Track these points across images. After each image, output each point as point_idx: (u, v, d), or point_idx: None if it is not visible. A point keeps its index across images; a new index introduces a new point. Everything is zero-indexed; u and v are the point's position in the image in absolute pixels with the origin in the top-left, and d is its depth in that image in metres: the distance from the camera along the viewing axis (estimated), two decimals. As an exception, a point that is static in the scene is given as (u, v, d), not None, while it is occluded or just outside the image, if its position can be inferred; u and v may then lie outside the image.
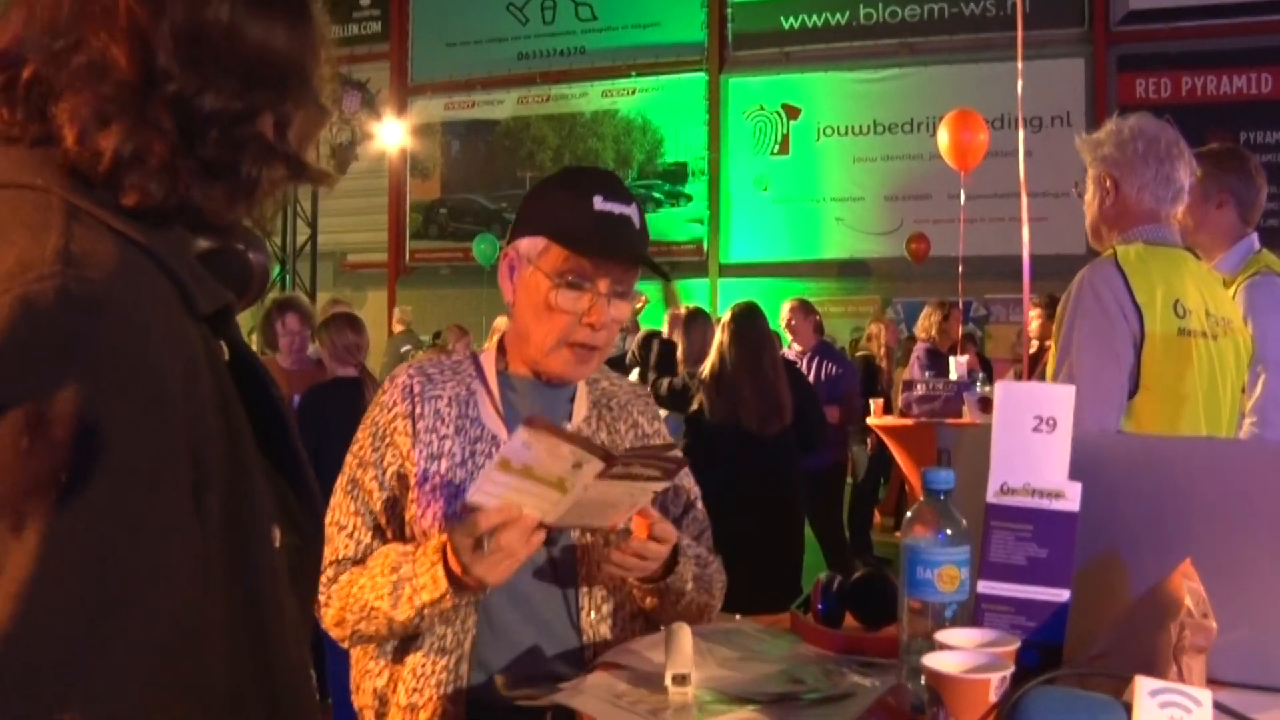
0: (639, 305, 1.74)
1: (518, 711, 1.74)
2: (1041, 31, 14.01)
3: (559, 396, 1.97)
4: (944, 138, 8.84)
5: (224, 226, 1.08)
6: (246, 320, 6.11)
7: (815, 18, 15.41)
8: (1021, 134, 5.81)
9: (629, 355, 7.30)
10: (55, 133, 0.96)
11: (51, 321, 0.87)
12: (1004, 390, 1.48)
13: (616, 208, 1.87)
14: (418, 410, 1.88)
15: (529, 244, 1.88)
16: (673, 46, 16.12)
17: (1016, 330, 10.42)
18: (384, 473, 1.86)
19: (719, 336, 5.09)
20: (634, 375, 6.79)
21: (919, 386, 7.22)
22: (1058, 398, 1.44)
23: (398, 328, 12.16)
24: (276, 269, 13.51)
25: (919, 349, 8.29)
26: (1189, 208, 3.44)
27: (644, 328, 8.01)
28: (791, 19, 15.52)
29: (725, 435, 4.91)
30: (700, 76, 16.01)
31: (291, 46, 1.06)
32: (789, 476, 4.98)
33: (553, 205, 1.89)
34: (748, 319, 5.06)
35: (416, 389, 1.91)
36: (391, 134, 13.66)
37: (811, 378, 6.86)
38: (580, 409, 1.97)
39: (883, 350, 9.58)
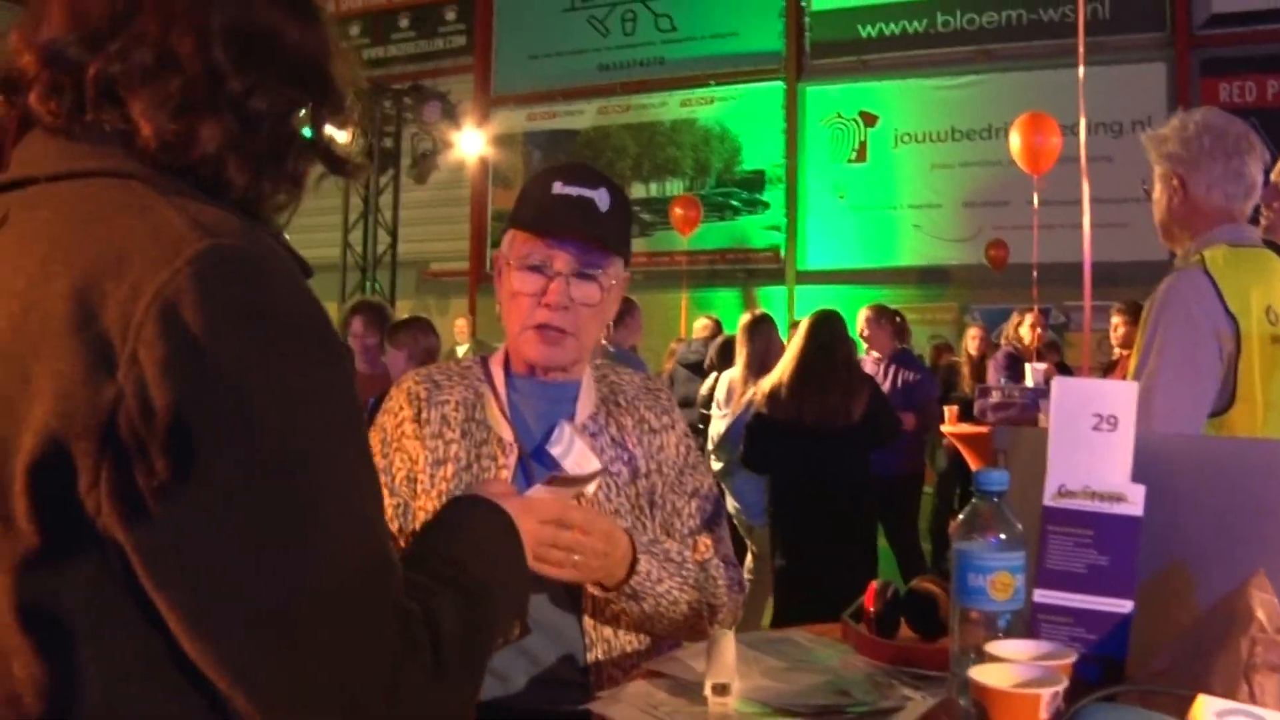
0: (609, 286, 1.67)
1: (531, 717, 1.71)
2: (1122, 36, 13.75)
3: (562, 395, 1.95)
4: (1015, 141, 8.66)
5: (266, 219, 1.11)
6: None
7: (893, 25, 15.23)
8: (1083, 138, 5.72)
9: (707, 360, 7.23)
10: (126, 127, 0.99)
11: (234, 291, 0.91)
12: (1061, 387, 1.40)
13: (577, 190, 1.87)
14: (424, 415, 1.88)
15: (505, 240, 1.92)
16: (751, 56, 16.04)
17: (1098, 338, 10.17)
18: (393, 479, 1.87)
19: (794, 340, 5.09)
20: (709, 381, 6.72)
21: (995, 394, 7.06)
22: (1119, 395, 1.36)
23: (461, 339, 12.08)
24: (357, 277, 13.63)
25: (1000, 353, 8.13)
26: (1272, 206, 3.31)
27: (724, 334, 7.95)
28: (869, 27, 15.35)
29: (789, 434, 4.92)
30: (778, 85, 15.91)
31: (312, 45, 1.10)
32: (857, 479, 4.92)
33: (521, 197, 1.92)
34: (820, 321, 5.10)
35: (422, 395, 1.91)
36: (473, 144, 13.72)
37: (888, 385, 6.77)
38: (585, 406, 1.94)
39: (978, 355, 9.38)
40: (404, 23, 17.87)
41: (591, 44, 17.01)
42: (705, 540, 1.97)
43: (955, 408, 7.75)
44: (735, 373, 6.10)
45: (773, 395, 5.03)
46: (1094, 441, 1.35)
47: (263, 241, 0.97)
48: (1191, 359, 2.52)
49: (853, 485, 4.92)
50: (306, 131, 1.11)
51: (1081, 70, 6.20)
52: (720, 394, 6.24)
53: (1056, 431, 1.37)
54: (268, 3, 1.06)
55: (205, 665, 0.91)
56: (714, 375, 6.69)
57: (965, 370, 9.11)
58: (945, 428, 7.59)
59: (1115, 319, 7.45)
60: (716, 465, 6.15)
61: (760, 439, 5.11)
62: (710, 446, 6.25)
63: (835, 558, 4.63)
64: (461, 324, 12.54)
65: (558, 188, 1.87)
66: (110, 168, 0.98)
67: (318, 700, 0.91)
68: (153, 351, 0.87)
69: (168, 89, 0.99)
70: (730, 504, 6.03)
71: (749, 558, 6.05)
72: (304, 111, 1.10)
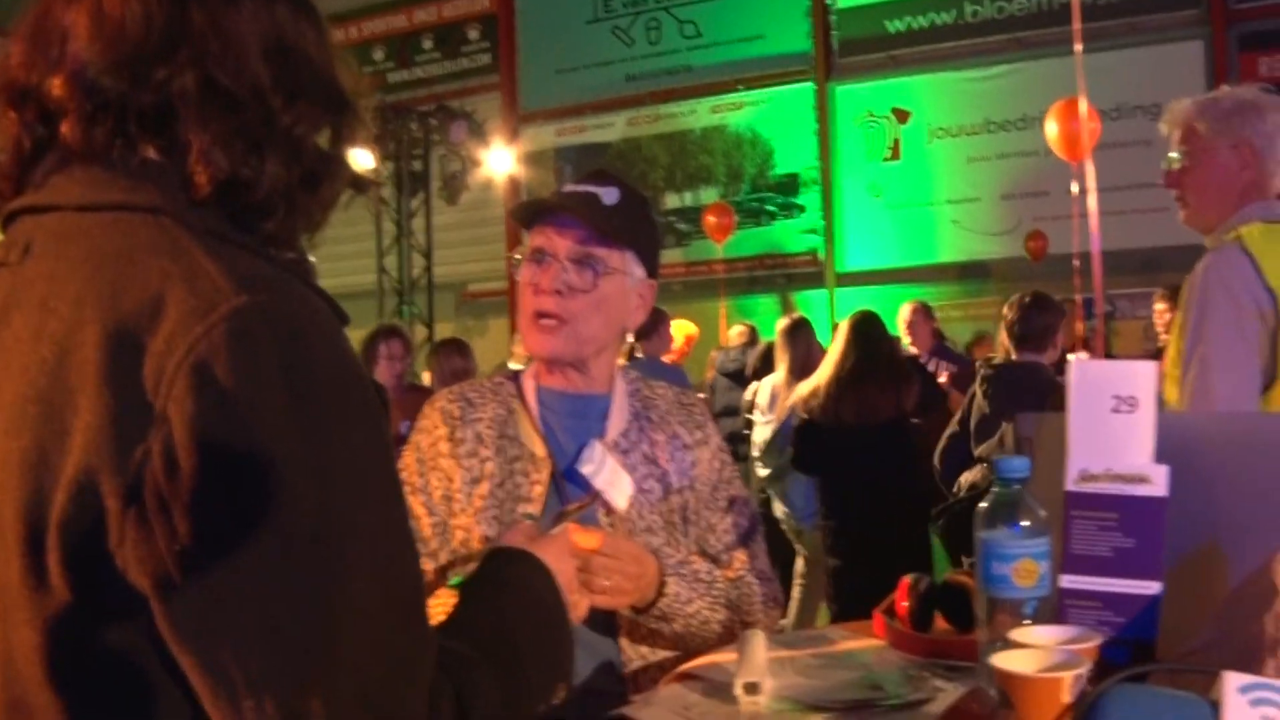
0: (608, 274, 1.66)
1: None
2: (1158, 15, 13.61)
3: (592, 411, 1.94)
4: (1052, 129, 8.58)
5: (297, 247, 1.08)
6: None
7: (921, 19, 15.14)
8: (1084, 116, 5.64)
9: (749, 368, 7.21)
10: (166, 161, 0.96)
11: (271, 352, 0.87)
12: (1078, 369, 1.39)
13: (584, 187, 1.90)
14: (457, 434, 1.88)
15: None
16: (778, 58, 16.00)
17: (1143, 325, 10.05)
18: (430, 497, 1.87)
19: (834, 343, 5.13)
20: (753, 388, 6.72)
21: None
22: (1138, 375, 1.35)
23: (516, 360, 12.08)
24: (394, 301, 13.68)
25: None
26: None
27: (762, 341, 7.93)
28: (896, 22, 15.28)
29: (832, 435, 4.96)
30: (808, 86, 15.85)
31: (328, 58, 1.06)
32: (907, 474, 4.90)
33: None
34: (858, 322, 5.12)
35: (455, 413, 1.91)
36: (502, 162, 13.78)
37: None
38: (616, 423, 1.93)
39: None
40: (428, 44, 17.96)
41: (618, 55, 17.03)
42: (740, 556, 1.96)
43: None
44: (777, 378, 6.09)
45: (811, 397, 5.04)
46: (1114, 423, 1.35)
47: (301, 297, 0.94)
48: (1242, 336, 2.49)
49: (901, 483, 4.90)
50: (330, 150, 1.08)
51: (1079, 47, 6.29)
52: (763, 400, 6.23)
53: (1075, 415, 1.36)
54: (289, 13, 1.03)
55: None
56: (756, 382, 6.68)
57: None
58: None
59: (1158, 305, 7.37)
60: (763, 472, 6.14)
61: (806, 441, 5.13)
62: (755, 454, 6.24)
63: (887, 555, 4.61)
64: (518, 348, 12.57)
65: (568, 186, 1.95)
66: (141, 202, 0.94)
67: None
68: (182, 410, 0.85)
69: (229, 125, 0.96)
70: (779, 509, 6.02)
71: (799, 562, 6.03)
72: (328, 131, 1.07)
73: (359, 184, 1.12)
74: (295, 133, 1.01)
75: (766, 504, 6.13)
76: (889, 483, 4.89)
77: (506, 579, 1.19)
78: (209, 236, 0.94)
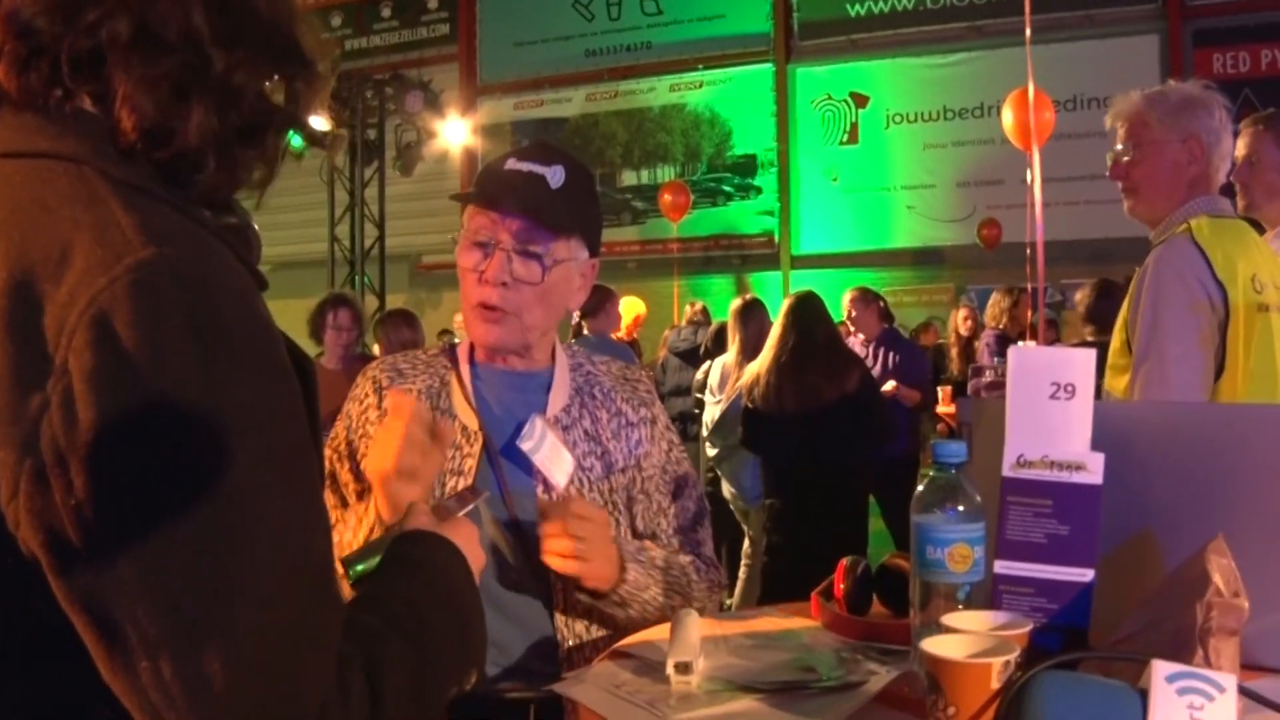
0: (553, 265, 1.64)
1: (499, 705, 1.69)
2: (1115, 9, 13.72)
3: (531, 384, 1.91)
4: (1008, 117, 8.61)
5: (228, 199, 1.05)
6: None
7: (882, 4, 15.18)
8: (1032, 109, 5.77)
9: (702, 347, 7.22)
10: (94, 105, 0.94)
11: (174, 306, 0.85)
12: (1017, 356, 1.39)
13: (528, 166, 1.83)
14: (386, 403, 1.83)
15: (464, 218, 1.87)
16: (739, 38, 16.00)
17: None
18: (358, 465, 1.82)
19: (774, 327, 5.14)
20: (705, 368, 6.73)
21: (988, 373, 7.07)
22: (1077, 362, 1.34)
23: (461, 333, 12.11)
24: (345, 271, 13.56)
25: (988, 335, 8.13)
26: (1260, 179, 3.30)
27: (715, 321, 7.94)
28: (858, 6, 15.31)
29: (774, 420, 4.95)
30: (767, 68, 15.87)
31: (282, 10, 1.03)
32: (845, 460, 4.91)
33: (479, 174, 1.91)
34: (796, 305, 5.11)
35: (385, 382, 1.89)
36: (458, 134, 13.68)
37: (878, 368, 6.79)
38: (558, 398, 1.90)
39: (954, 337, 9.39)
40: (386, 12, 17.81)
41: (577, 30, 16.96)
42: (687, 540, 1.95)
43: (949, 388, 7.76)
44: (729, 358, 6.09)
45: (754, 384, 5.04)
46: (1052, 410, 1.34)
47: (215, 252, 0.92)
48: (1196, 328, 2.52)
49: (841, 467, 4.92)
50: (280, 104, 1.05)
51: (1029, 32, 6.88)
52: (714, 380, 6.23)
53: (1014, 401, 1.35)
54: None
55: (119, 693, 0.86)
56: (708, 362, 6.68)
57: (954, 351, 9.11)
58: (940, 408, 7.59)
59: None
60: (712, 452, 6.15)
61: (750, 425, 5.13)
62: (705, 433, 6.25)
63: (822, 539, 4.63)
64: (460, 319, 12.52)
65: (511, 163, 1.85)
66: (64, 151, 0.92)
67: None
68: (82, 361, 0.82)
69: (156, 70, 0.93)
70: (727, 489, 6.04)
71: (745, 542, 6.05)
72: (277, 83, 1.04)
73: (316, 139, 1.10)
74: (233, 81, 0.98)
75: (715, 483, 6.15)
76: (829, 465, 4.91)
77: (418, 560, 1.16)
78: (130, 190, 0.91)
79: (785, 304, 5.16)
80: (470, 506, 1.46)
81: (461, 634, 1.11)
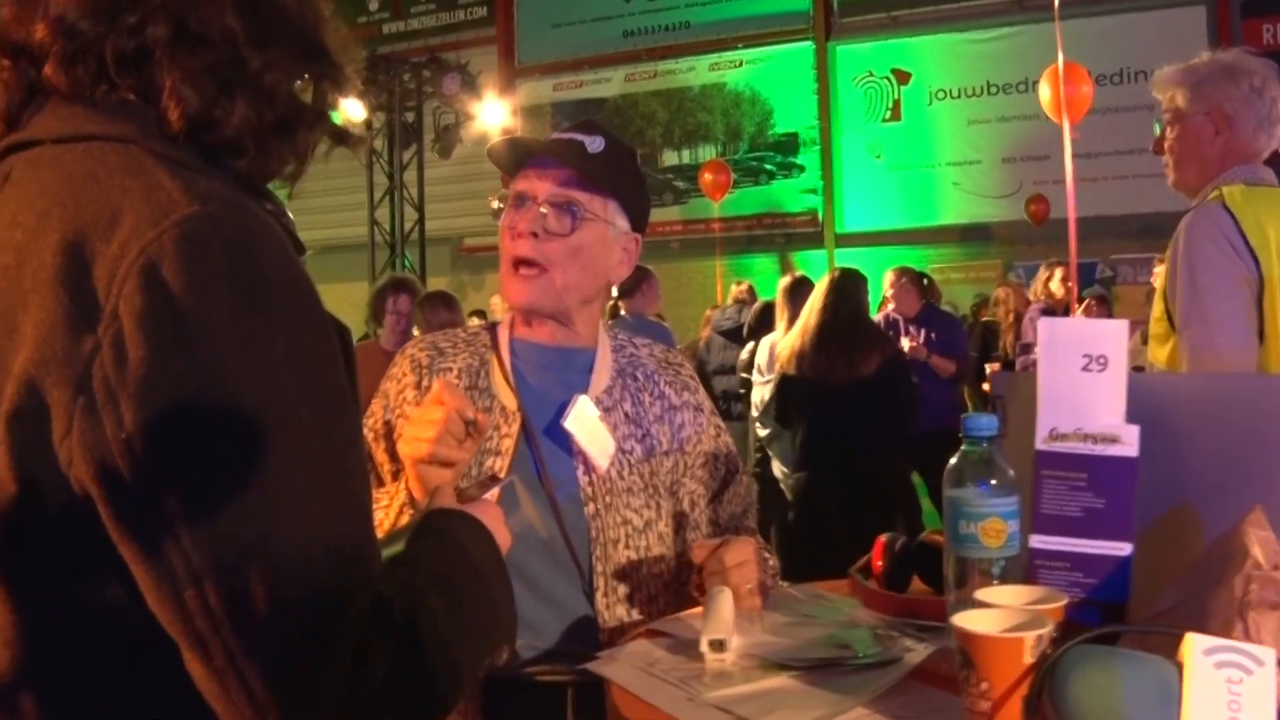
0: (587, 221, 1.64)
1: (537, 688, 1.69)
2: (1161, -19, 13.50)
3: (572, 364, 1.90)
4: (1045, 92, 8.48)
5: (262, 187, 1.11)
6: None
7: (922, -22, 15.03)
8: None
9: (745, 329, 7.19)
10: (144, 100, 1.00)
11: (219, 255, 0.91)
12: (1048, 328, 1.36)
13: (571, 135, 1.85)
14: (424, 383, 1.84)
15: None
16: (778, 16, 15.89)
17: (1145, 290, 9.99)
18: (394, 445, 1.81)
19: (810, 301, 5.20)
20: (749, 347, 6.71)
21: (1036, 349, 7.00)
22: (1109, 334, 1.32)
23: (498, 315, 12.10)
24: (386, 254, 13.59)
25: (1033, 310, 8.04)
26: None
27: (760, 299, 7.91)
28: (898, -19, 15.16)
29: (800, 391, 5.06)
30: (807, 45, 15.76)
31: (309, 13, 1.10)
32: (869, 436, 4.94)
33: None
34: (830, 282, 5.16)
35: (424, 361, 1.88)
36: (496, 115, 13.68)
37: (921, 343, 6.79)
38: (600, 379, 1.89)
39: (1010, 315, 9.29)
40: (423, -5, 17.84)
41: (615, 10, 16.90)
42: (748, 524, 1.95)
43: (997, 365, 7.69)
44: (777, 337, 6.08)
45: (788, 355, 5.13)
46: (1084, 382, 1.32)
47: (255, 214, 0.97)
48: (1236, 289, 2.48)
49: (860, 444, 4.92)
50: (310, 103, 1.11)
51: (1057, 4, 7.03)
52: (762, 359, 6.22)
53: (1045, 374, 1.34)
54: None
55: (165, 622, 0.90)
56: (753, 341, 6.66)
57: (1005, 328, 9.03)
58: (988, 386, 7.53)
59: (1159, 269, 7.34)
60: (763, 431, 6.14)
61: (782, 395, 5.22)
62: (754, 413, 6.24)
63: (844, 516, 4.64)
64: (497, 301, 12.53)
65: (555, 134, 1.90)
66: (114, 133, 0.98)
67: (275, 669, 0.90)
68: (131, 305, 0.88)
69: (199, 65, 1.00)
70: (776, 468, 6.03)
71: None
72: (306, 83, 1.11)
73: (341, 137, 1.15)
74: (266, 79, 1.04)
75: (763, 463, 6.14)
76: (847, 442, 4.93)
77: (448, 531, 1.20)
78: (173, 163, 0.98)
79: (824, 279, 5.22)
80: (492, 490, 1.47)
81: (491, 605, 1.13)
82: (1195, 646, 1.02)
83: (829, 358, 4.97)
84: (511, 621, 1.20)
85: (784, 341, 5.28)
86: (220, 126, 1.01)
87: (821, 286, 5.15)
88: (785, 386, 5.17)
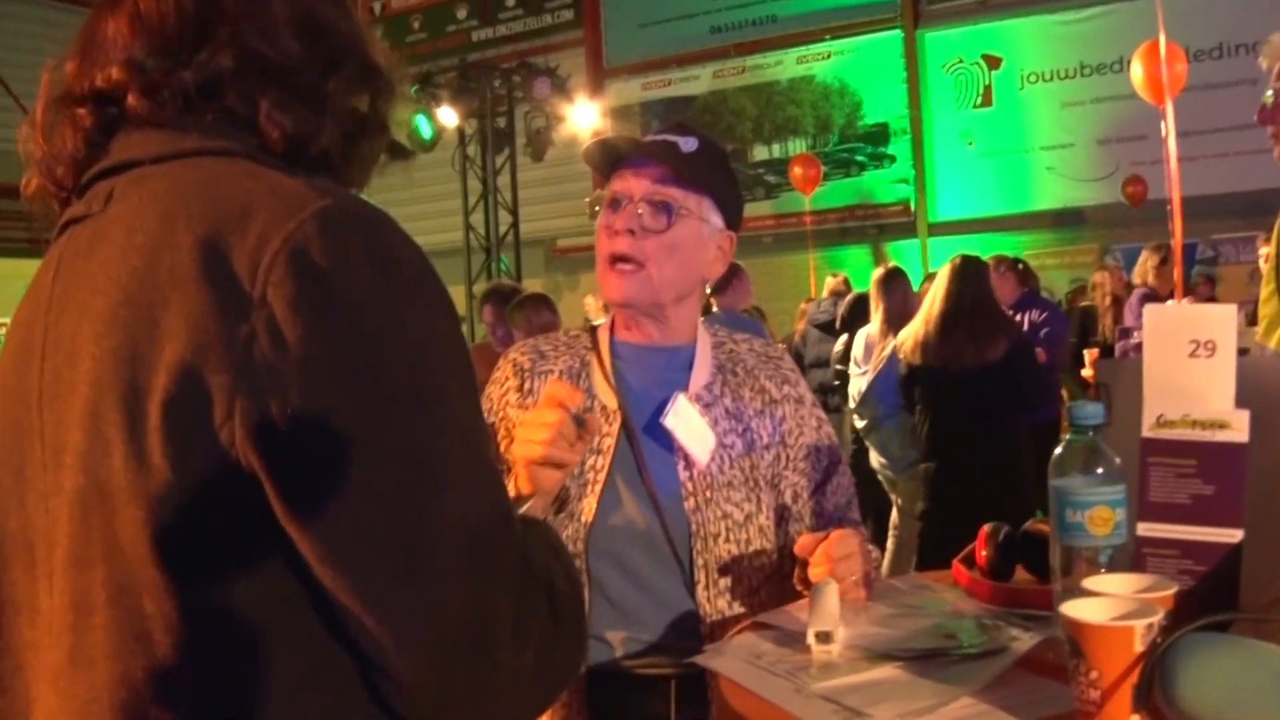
0: (683, 217, 1.65)
1: (640, 681, 1.71)
2: (1258, -49, 13.11)
3: (673, 363, 1.92)
4: (1137, 72, 8.28)
5: None
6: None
7: (1010, -37, 14.78)
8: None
9: (838, 321, 7.15)
10: (236, 117, 1.06)
11: (358, 240, 0.96)
12: (1153, 314, 1.35)
13: (664, 136, 1.88)
14: (527, 385, 1.88)
15: None
16: (865, 7, 15.73)
17: (1249, 270, 9.74)
18: (498, 446, 1.86)
19: (933, 287, 5.17)
20: (844, 339, 6.67)
21: (1135, 334, 6.85)
22: (1216, 319, 1.31)
23: (593, 316, 12.12)
24: (482, 258, 13.72)
25: (1135, 295, 7.87)
26: None
27: (854, 291, 7.86)
28: (986, -34, 14.93)
29: (925, 380, 5.05)
30: (896, 34, 15.59)
31: (356, 33, 1.16)
32: (996, 422, 4.89)
33: None
34: (953, 267, 5.11)
35: (526, 365, 1.92)
36: (587, 117, 13.77)
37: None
38: (700, 375, 1.91)
39: (1108, 299, 9.12)
40: (510, 1, 17.96)
41: (701, 7, 16.86)
42: (852, 515, 1.96)
43: (1095, 351, 7.55)
44: (873, 328, 6.04)
45: (909, 344, 5.10)
46: (1192, 369, 1.31)
47: (374, 206, 1.02)
48: None
49: (989, 431, 4.86)
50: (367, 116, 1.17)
51: None
52: (858, 351, 6.18)
53: (1151, 360, 1.33)
54: None
55: (340, 597, 0.93)
56: (847, 334, 6.62)
57: (1103, 311, 8.87)
58: (1086, 371, 7.40)
59: (1264, 249, 7.14)
60: (860, 423, 6.10)
61: (906, 385, 5.20)
62: (851, 405, 6.21)
63: (974, 504, 4.57)
64: (590, 301, 12.59)
65: (647, 137, 1.94)
66: (216, 148, 1.04)
67: (453, 633, 0.94)
68: (282, 290, 0.92)
69: (284, 89, 1.07)
70: (874, 459, 5.99)
71: (894, 512, 6.00)
72: (366, 98, 1.16)
73: (396, 149, 1.22)
74: (338, 98, 1.11)
75: (859, 454, 6.11)
76: (978, 430, 4.87)
77: (549, 530, 1.25)
78: (284, 170, 1.03)
79: (943, 266, 5.18)
80: (524, 508, 1.57)
81: (579, 613, 1.17)
82: (1311, 632, 1.01)
83: (955, 344, 4.92)
84: (586, 638, 1.30)
85: (905, 331, 5.24)
86: (315, 142, 1.08)
87: (944, 273, 5.10)
88: (911, 376, 5.13)
